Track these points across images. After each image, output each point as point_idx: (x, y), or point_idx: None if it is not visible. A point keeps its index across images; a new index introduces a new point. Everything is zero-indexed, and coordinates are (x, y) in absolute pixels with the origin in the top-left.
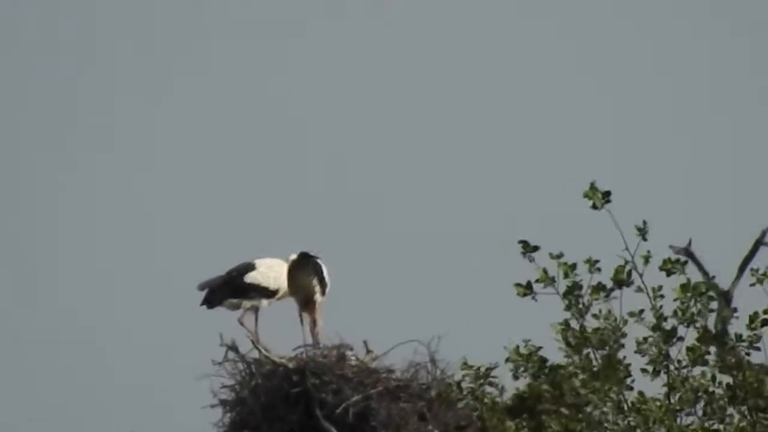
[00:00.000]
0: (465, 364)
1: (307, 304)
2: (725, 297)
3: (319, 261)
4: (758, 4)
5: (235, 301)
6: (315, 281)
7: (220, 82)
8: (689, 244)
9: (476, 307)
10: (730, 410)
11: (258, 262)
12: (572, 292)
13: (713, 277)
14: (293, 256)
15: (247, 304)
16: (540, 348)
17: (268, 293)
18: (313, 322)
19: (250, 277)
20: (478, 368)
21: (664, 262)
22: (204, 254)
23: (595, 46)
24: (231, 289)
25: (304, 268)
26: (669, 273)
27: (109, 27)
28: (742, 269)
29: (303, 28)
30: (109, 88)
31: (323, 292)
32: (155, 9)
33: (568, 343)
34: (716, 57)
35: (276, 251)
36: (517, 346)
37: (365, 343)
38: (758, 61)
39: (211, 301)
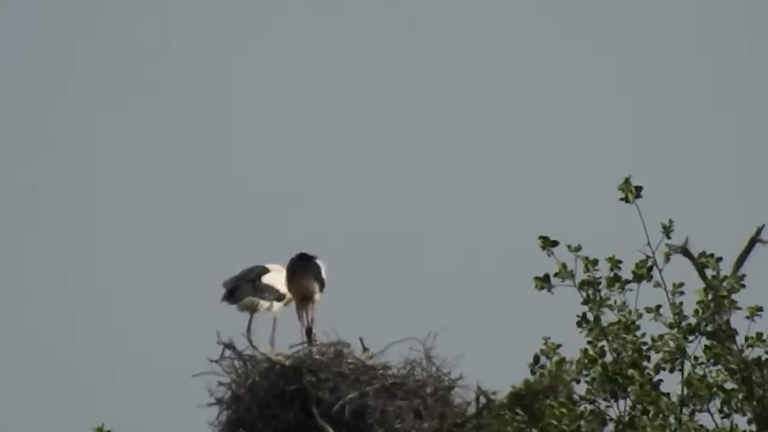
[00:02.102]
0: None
1: (305, 300)
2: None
3: (317, 261)
4: (758, 3)
5: (253, 299)
6: (314, 283)
7: (216, 81)
8: (686, 242)
9: (472, 305)
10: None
11: (270, 266)
12: (590, 284)
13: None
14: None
15: (263, 304)
16: (560, 345)
17: (279, 296)
18: (312, 319)
19: (267, 278)
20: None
21: (700, 255)
22: (202, 254)
23: (600, 46)
24: (253, 288)
25: (303, 269)
26: (703, 267)
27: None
28: (737, 266)
29: (302, 26)
30: (107, 87)
31: (321, 290)
32: (154, 6)
33: (591, 341)
34: (715, 55)
35: (275, 248)
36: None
37: (361, 340)
38: (757, 60)
39: (233, 296)
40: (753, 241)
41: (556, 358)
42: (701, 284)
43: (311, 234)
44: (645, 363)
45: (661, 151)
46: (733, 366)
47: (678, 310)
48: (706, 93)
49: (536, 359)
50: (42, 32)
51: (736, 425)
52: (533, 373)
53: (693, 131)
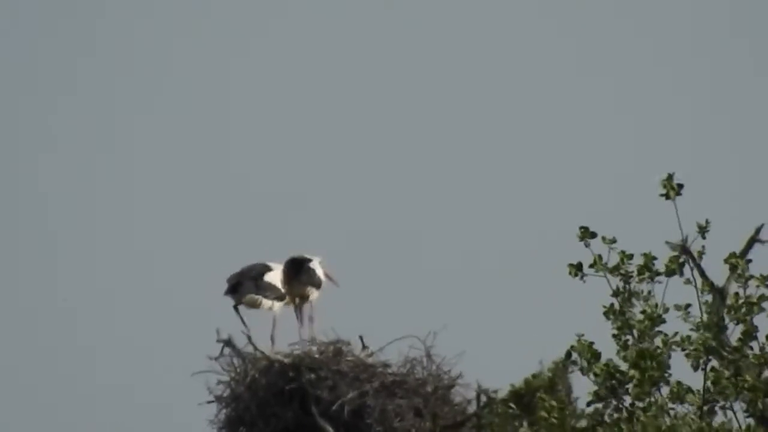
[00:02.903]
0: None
1: (302, 299)
2: (720, 294)
3: (310, 265)
4: (759, 3)
5: (256, 297)
6: (309, 288)
7: (216, 81)
8: (686, 240)
9: (472, 303)
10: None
11: (272, 265)
12: (621, 275)
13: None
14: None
15: (265, 303)
16: (593, 343)
17: (280, 295)
18: (310, 317)
19: (269, 277)
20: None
21: (730, 255)
22: (202, 254)
23: (608, 46)
24: (256, 285)
25: (297, 275)
26: (733, 268)
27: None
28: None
29: (302, 26)
30: (107, 87)
31: (318, 288)
32: (154, 6)
33: (617, 332)
34: (717, 56)
35: (275, 247)
36: (589, 343)
37: (361, 338)
38: (759, 60)
39: (236, 292)
40: (752, 241)
41: (589, 356)
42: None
43: (311, 234)
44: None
45: (660, 150)
46: (753, 361)
47: (710, 309)
48: (707, 93)
49: (568, 355)
50: (42, 33)
51: (753, 424)
52: (565, 367)
53: (692, 130)
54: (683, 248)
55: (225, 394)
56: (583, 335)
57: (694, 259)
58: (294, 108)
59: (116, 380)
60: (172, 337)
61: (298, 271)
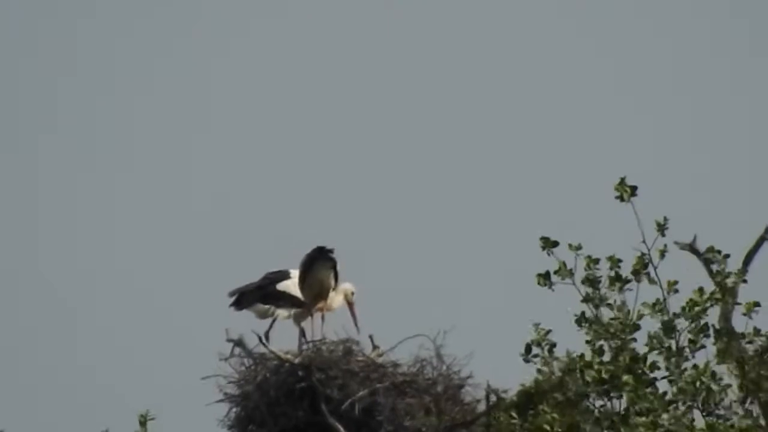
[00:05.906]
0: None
1: (317, 298)
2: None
3: (334, 256)
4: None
5: (265, 307)
6: (331, 276)
7: (216, 83)
8: (694, 240)
9: (482, 303)
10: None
11: (293, 272)
12: (591, 282)
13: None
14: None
15: (281, 313)
16: (549, 331)
17: (299, 303)
18: (321, 318)
19: (283, 285)
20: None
21: (707, 250)
22: (209, 255)
23: (596, 43)
24: (262, 294)
25: (322, 261)
26: (710, 262)
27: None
28: (745, 265)
29: (301, 25)
30: (107, 88)
31: (335, 287)
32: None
33: (592, 337)
34: (718, 53)
35: (279, 247)
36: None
37: (371, 338)
38: (759, 58)
39: (239, 303)
40: (761, 240)
41: (547, 346)
42: (708, 282)
43: (320, 231)
44: (641, 366)
45: (670, 148)
46: (742, 355)
47: (661, 308)
48: (711, 91)
49: (528, 349)
50: (40, 35)
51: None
52: (527, 362)
53: (703, 128)
54: (691, 247)
55: (235, 394)
56: (539, 324)
57: (702, 258)
58: (302, 110)
59: (117, 380)
60: (175, 337)
61: (323, 256)
